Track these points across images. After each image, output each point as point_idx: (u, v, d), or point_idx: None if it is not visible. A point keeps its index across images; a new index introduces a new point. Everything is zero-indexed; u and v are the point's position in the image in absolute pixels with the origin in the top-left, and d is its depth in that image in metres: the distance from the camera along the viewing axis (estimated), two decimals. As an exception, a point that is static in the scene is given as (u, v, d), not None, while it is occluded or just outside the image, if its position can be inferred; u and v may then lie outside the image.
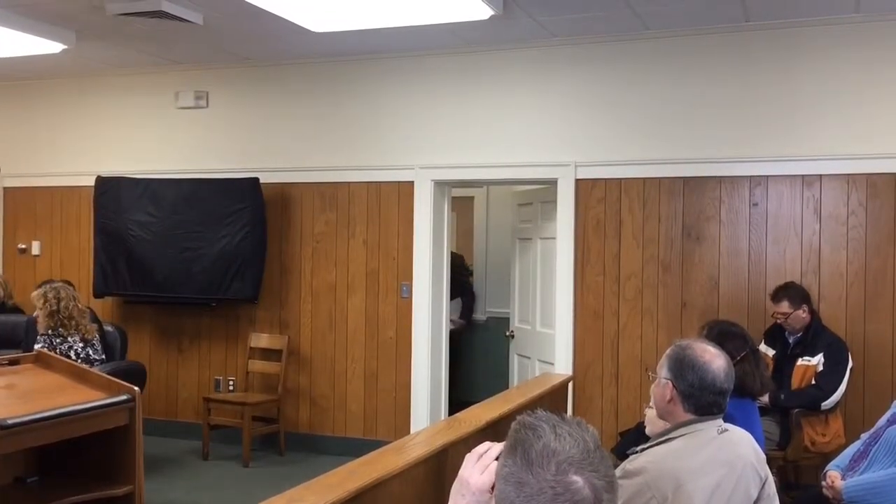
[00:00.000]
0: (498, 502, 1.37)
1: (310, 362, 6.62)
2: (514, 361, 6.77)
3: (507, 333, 6.87)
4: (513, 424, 1.41)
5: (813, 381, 4.80)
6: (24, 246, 7.60)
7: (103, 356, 5.34)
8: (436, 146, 6.25)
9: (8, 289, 6.94)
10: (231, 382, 6.86)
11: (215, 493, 5.52)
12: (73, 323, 4.99)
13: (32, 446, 3.68)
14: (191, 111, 6.96)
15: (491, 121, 6.10)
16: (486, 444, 1.53)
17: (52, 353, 4.35)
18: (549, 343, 6.13)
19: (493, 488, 1.44)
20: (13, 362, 4.09)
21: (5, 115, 7.62)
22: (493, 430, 3.42)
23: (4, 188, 7.66)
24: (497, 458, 1.47)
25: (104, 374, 4.03)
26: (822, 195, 5.38)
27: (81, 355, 4.96)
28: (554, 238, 6.09)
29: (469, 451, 1.58)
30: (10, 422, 3.24)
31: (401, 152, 6.35)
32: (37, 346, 4.99)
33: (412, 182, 6.32)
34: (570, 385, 5.59)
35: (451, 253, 7.55)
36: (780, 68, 5.44)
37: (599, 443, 1.37)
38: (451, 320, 7.28)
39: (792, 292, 4.99)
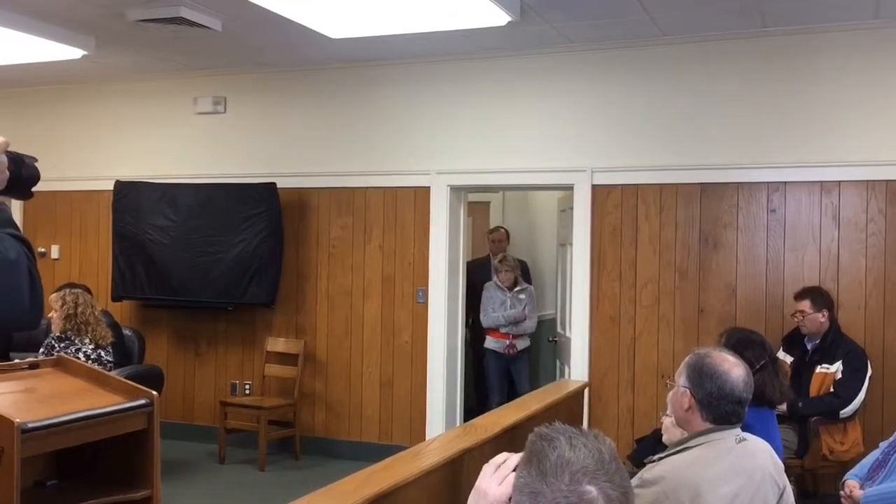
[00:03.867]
0: None
1: (326, 367, 6.64)
2: (557, 367, 6.75)
3: (550, 339, 6.94)
4: (529, 436, 1.42)
5: (831, 389, 4.77)
6: (43, 250, 7.66)
7: (113, 360, 5.35)
8: (452, 151, 6.26)
9: None
10: (247, 386, 6.89)
11: (231, 497, 5.55)
12: (88, 329, 5.01)
13: (52, 450, 3.70)
14: (209, 116, 7.01)
15: (507, 126, 6.10)
16: (504, 455, 1.52)
17: (71, 358, 4.38)
18: (561, 349, 6.14)
19: (510, 500, 1.45)
20: (33, 366, 4.12)
21: (26, 119, 7.69)
22: (508, 437, 3.41)
23: (24, 192, 7.71)
24: (515, 470, 1.47)
25: (123, 379, 4.05)
26: (840, 201, 5.35)
27: (92, 357, 4.98)
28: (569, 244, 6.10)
29: (485, 459, 1.58)
30: (30, 425, 3.26)
31: (417, 157, 6.36)
32: (41, 350, 5.01)
33: (428, 187, 6.33)
34: (587, 392, 5.57)
35: (519, 260, 7.19)
36: (799, 74, 5.42)
37: (616, 455, 1.37)
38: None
39: (816, 294, 4.98)
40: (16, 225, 1.71)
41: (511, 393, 6.46)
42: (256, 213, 6.56)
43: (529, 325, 6.66)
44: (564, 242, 6.58)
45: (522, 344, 6.68)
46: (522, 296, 6.66)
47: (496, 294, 6.68)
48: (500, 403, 6.10)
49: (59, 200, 7.58)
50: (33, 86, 7.50)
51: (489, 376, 6.75)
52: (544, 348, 7.39)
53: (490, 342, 6.68)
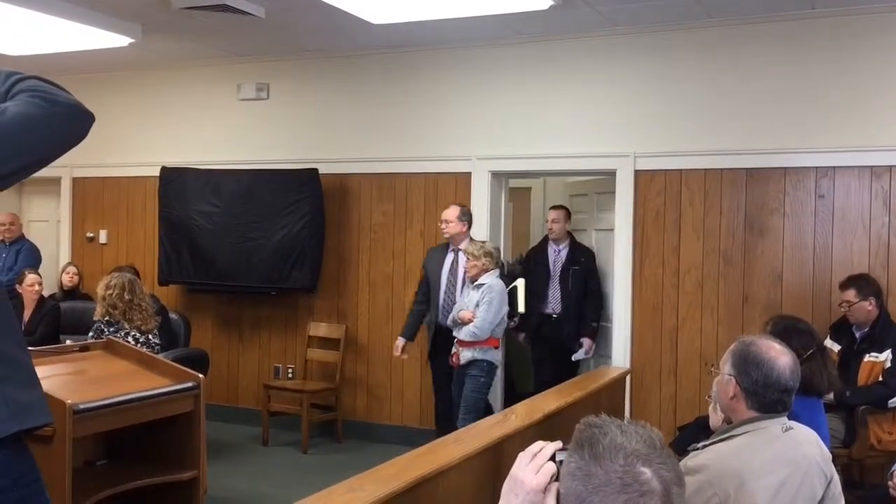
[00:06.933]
0: (564, 501, 1.36)
1: (367, 352, 6.69)
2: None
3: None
4: (577, 426, 1.42)
5: (880, 378, 4.68)
6: (91, 234, 7.83)
7: (160, 343, 5.42)
8: (493, 137, 6.24)
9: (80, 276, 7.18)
10: (290, 370, 6.97)
11: (275, 479, 5.62)
12: (116, 311, 4.99)
13: (102, 431, 3.79)
14: (252, 103, 7.07)
15: (549, 111, 6.06)
16: (540, 444, 1.52)
17: (120, 341, 4.47)
18: (603, 337, 6.08)
19: (545, 490, 1.45)
20: (84, 349, 4.22)
21: (74, 107, 7.82)
22: (549, 424, 3.41)
23: (73, 178, 7.89)
24: (552, 458, 1.47)
25: (170, 362, 4.13)
26: (891, 186, 5.22)
27: (141, 340, 5.05)
28: (611, 230, 6.04)
29: (526, 444, 1.57)
30: (81, 407, 3.35)
31: (458, 143, 6.35)
32: (90, 334, 5.07)
33: (469, 173, 6.32)
34: (628, 379, 5.54)
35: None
36: (848, 56, 5.29)
37: (664, 443, 1.38)
38: None
39: (862, 283, 4.87)
40: (8, 73, 1.77)
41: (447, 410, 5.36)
42: (299, 198, 6.61)
43: (473, 330, 5.09)
44: (581, 228, 6.50)
45: (467, 355, 5.15)
46: (475, 293, 5.20)
47: (466, 288, 5.41)
48: (437, 422, 5.41)
49: (107, 186, 7.73)
50: (80, 73, 7.61)
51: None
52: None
53: None
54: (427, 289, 5.72)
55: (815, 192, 5.40)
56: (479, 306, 5.12)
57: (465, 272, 5.40)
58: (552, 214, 6.26)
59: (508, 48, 6.18)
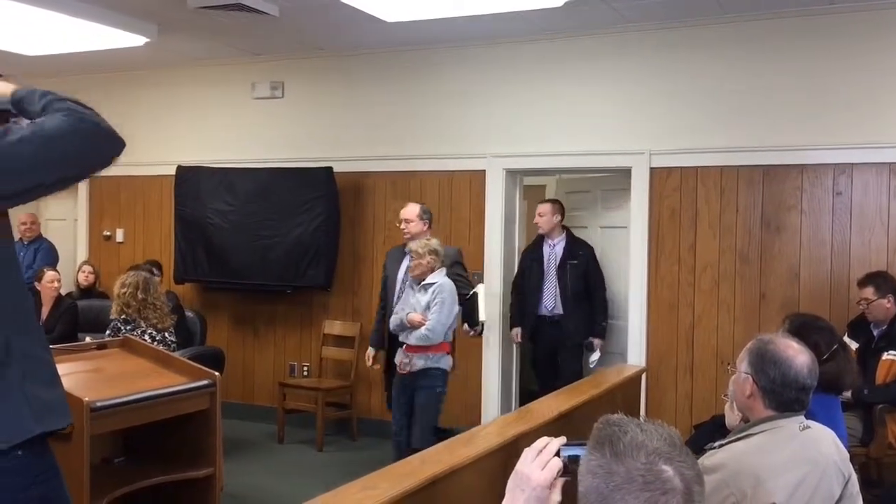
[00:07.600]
0: (583, 499, 1.36)
1: (382, 349, 6.68)
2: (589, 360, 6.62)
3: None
4: (595, 424, 1.42)
5: (899, 377, 4.64)
6: (108, 233, 7.88)
7: (176, 341, 5.43)
8: (508, 135, 6.23)
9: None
10: (305, 368, 6.99)
11: (291, 476, 5.64)
12: (130, 309, 4.99)
13: (119, 428, 3.82)
14: (267, 101, 7.09)
15: (564, 108, 6.04)
16: (545, 440, 1.53)
17: (137, 339, 4.49)
18: (616, 334, 6.06)
19: (551, 486, 1.45)
20: (101, 347, 4.24)
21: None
22: (564, 422, 3.40)
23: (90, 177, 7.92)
24: (557, 454, 1.47)
25: (187, 360, 4.15)
26: (910, 183, 5.18)
27: (157, 338, 5.06)
28: (618, 227, 6.03)
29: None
30: (98, 404, 3.37)
31: (473, 141, 6.35)
32: (107, 332, 5.09)
33: (484, 171, 6.31)
34: (644, 377, 5.51)
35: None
36: (866, 51, 5.24)
37: (683, 442, 1.37)
38: None
39: (880, 280, 4.84)
40: (42, 92, 1.85)
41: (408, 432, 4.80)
42: (313, 196, 6.63)
43: (425, 333, 4.69)
44: (581, 225, 6.39)
45: (421, 362, 4.75)
46: (421, 294, 4.80)
47: (409, 290, 5.00)
48: (396, 442, 4.86)
49: (123, 185, 7.77)
50: (96, 73, 7.66)
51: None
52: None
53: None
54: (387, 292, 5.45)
55: (832, 189, 5.36)
56: (429, 308, 4.71)
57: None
58: (539, 208, 5.98)
59: (523, 45, 6.16)
